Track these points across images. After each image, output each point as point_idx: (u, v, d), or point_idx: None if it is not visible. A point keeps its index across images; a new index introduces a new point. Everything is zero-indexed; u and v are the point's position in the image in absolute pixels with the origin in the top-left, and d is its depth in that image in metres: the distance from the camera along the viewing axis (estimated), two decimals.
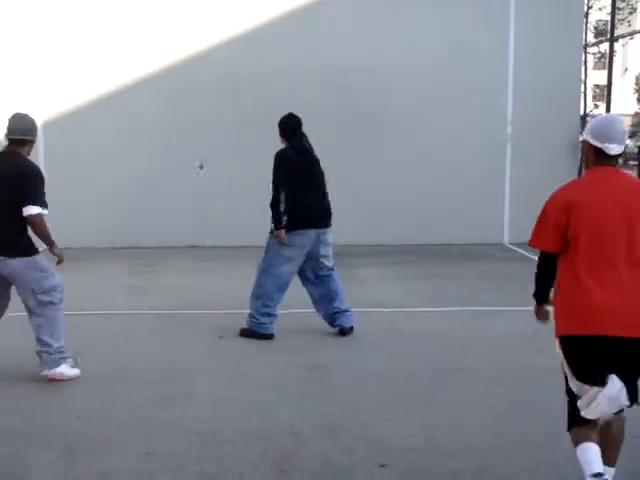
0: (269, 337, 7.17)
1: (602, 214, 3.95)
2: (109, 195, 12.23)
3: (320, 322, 7.35)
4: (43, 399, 5.75)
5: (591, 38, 23.46)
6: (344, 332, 7.25)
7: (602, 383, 3.94)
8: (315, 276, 7.31)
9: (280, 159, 7.13)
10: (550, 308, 4.22)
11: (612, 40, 17.50)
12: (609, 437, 4.11)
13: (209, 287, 9.58)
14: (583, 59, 16.97)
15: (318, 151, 7.39)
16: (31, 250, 5.94)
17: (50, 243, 6.00)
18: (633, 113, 50.03)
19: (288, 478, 4.47)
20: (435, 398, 5.73)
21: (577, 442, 4.07)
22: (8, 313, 6.25)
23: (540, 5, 12.74)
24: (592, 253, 3.95)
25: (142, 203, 12.22)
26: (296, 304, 8.47)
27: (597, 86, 32.37)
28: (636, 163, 17.89)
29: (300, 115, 7.35)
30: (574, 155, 13.46)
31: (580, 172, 17.19)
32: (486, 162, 12.65)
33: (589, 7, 19.36)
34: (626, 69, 43.15)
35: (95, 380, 6.10)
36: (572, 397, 4.12)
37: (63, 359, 6.10)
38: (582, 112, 18.42)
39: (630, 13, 25.55)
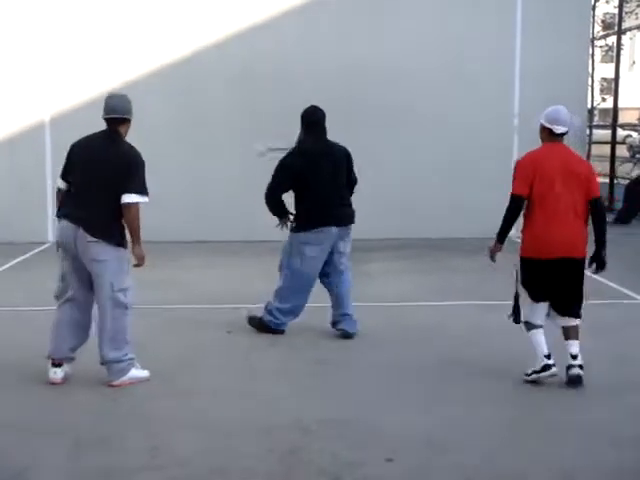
0: (281, 333, 7.16)
1: (554, 172, 5.62)
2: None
3: (323, 318, 7.32)
4: (50, 394, 5.76)
5: (599, 31, 23.37)
6: (346, 336, 7.09)
7: (544, 300, 5.74)
8: (329, 272, 7.19)
9: (279, 168, 7.10)
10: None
11: (620, 33, 17.42)
12: (568, 330, 5.82)
13: (217, 282, 9.58)
14: (590, 52, 16.90)
15: None
16: (124, 242, 5.79)
17: (137, 238, 5.78)
18: None
19: (295, 472, 4.47)
20: (442, 392, 5.73)
21: (529, 329, 5.78)
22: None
23: None
24: (549, 199, 5.62)
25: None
26: (309, 298, 8.48)
27: (604, 79, 32.23)
28: None
29: (301, 105, 7.31)
30: (581, 147, 13.42)
31: None
32: (494, 155, 12.60)
33: (597, 0, 19.28)
34: (634, 62, 42.98)
35: (102, 375, 6.10)
36: (517, 300, 5.80)
37: (131, 364, 5.92)
38: (589, 105, 18.35)
39: (638, 6, 25.44)
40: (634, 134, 31.30)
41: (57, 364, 5.88)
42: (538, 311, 5.78)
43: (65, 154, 6.02)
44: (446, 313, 7.97)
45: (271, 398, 5.62)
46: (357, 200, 7.15)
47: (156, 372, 6.19)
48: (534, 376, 5.75)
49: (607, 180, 17.31)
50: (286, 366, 6.36)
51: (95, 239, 5.62)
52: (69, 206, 5.77)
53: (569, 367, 5.73)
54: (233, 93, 12.49)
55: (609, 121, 18.52)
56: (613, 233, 13.54)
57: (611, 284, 9.21)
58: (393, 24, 12.53)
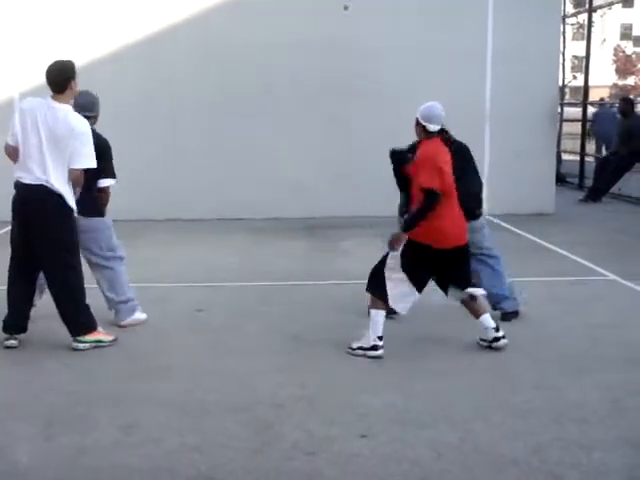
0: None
1: (448, 167, 5.78)
2: None
3: (305, 294, 7.31)
4: (22, 373, 5.74)
5: (570, 9, 23.43)
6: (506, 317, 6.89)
7: (419, 289, 5.86)
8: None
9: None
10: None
11: (590, 11, 17.46)
12: (472, 305, 6.04)
13: (188, 260, 9.56)
14: (562, 30, 16.94)
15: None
16: (102, 212, 6.67)
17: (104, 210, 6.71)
18: (611, 84, 50.22)
19: (269, 448, 4.49)
20: (416, 369, 5.76)
21: (374, 306, 5.85)
22: None
23: None
24: (448, 196, 5.74)
25: (119, 174, 12.12)
26: (282, 276, 8.51)
27: (575, 57, 32.41)
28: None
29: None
30: (552, 126, 13.50)
31: (559, 142, 17.29)
32: (465, 134, 12.55)
33: None
34: (604, 40, 43.22)
35: (74, 354, 6.09)
36: (383, 276, 5.82)
37: (136, 307, 6.82)
38: (561, 83, 18.43)
39: None
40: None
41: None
42: (406, 299, 5.89)
43: None
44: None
45: (245, 375, 5.63)
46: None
47: (127, 351, 6.19)
48: (360, 352, 5.92)
49: (577, 158, 17.43)
50: (260, 343, 6.37)
51: (80, 215, 6.24)
52: None
53: (495, 340, 6.04)
54: (202, 68, 12.38)
55: (580, 99, 18.60)
56: (584, 211, 13.77)
57: (582, 261, 9.31)
58: (365, 1, 12.47)
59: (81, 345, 6.11)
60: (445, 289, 6.09)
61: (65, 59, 6.31)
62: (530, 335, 6.58)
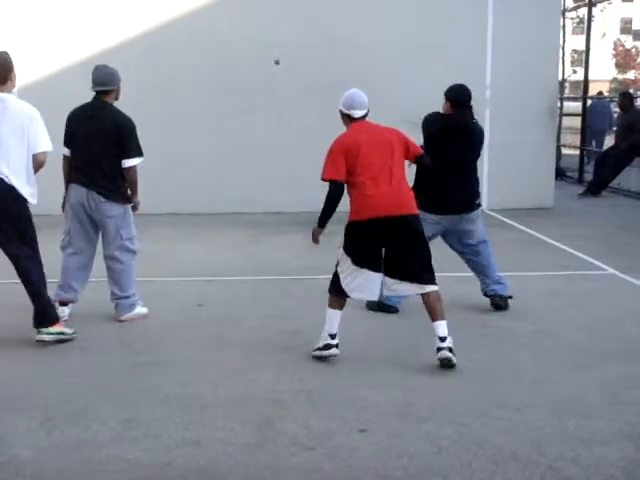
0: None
1: (369, 149, 5.62)
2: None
3: (304, 289, 7.32)
4: (22, 367, 5.75)
5: (570, 3, 23.40)
6: (498, 303, 7.02)
7: (374, 267, 5.61)
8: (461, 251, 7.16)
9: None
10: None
11: (590, 5, 17.43)
12: (429, 305, 5.66)
13: (188, 254, 9.56)
14: (562, 23, 16.92)
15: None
16: (128, 198, 6.69)
17: (136, 192, 6.73)
18: (611, 78, 50.18)
19: (269, 443, 4.49)
20: (413, 363, 5.76)
21: (331, 306, 5.70)
22: None
23: None
24: (371, 173, 5.60)
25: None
26: (281, 271, 8.51)
27: (575, 51, 32.37)
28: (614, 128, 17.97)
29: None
30: (552, 119, 13.49)
31: (559, 137, 17.27)
32: None
33: None
34: (604, 34, 43.17)
35: (74, 348, 6.09)
36: (337, 272, 5.70)
37: (138, 302, 6.83)
38: (561, 77, 18.41)
39: None
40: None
41: (64, 304, 6.68)
42: (366, 284, 5.70)
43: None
44: None
45: (244, 370, 5.64)
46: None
47: (127, 344, 6.20)
48: (317, 353, 5.74)
49: (577, 152, 17.42)
50: (259, 337, 6.37)
51: (105, 199, 6.51)
52: (78, 172, 6.57)
53: (437, 350, 5.56)
54: (201, 64, 12.36)
55: (580, 93, 18.59)
56: (583, 205, 13.76)
57: (581, 255, 9.31)
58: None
59: (46, 337, 6.07)
60: (391, 272, 5.68)
61: (1, 50, 6.30)
62: (529, 329, 6.58)
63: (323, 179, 5.69)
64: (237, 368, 5.68)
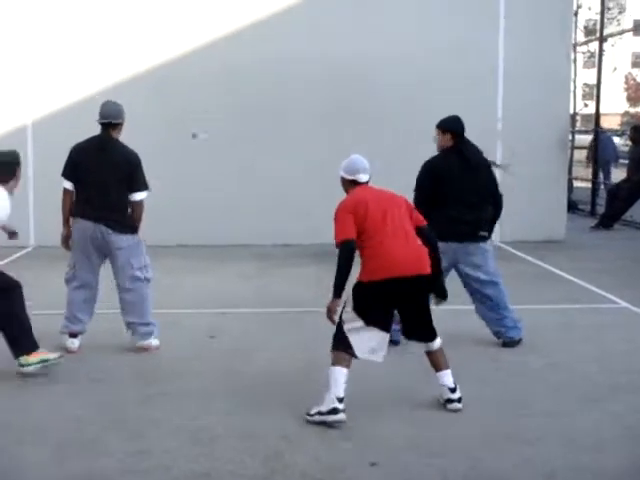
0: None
1: (379, 208, 5.38)
2: None
3: (316, 321, 7.28)
4: (32, 398, 5.74)
5: (581, 37, 23.52)
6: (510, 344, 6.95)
7: (384, 328, 5.33)
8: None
9: None
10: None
11: (601, 39, 17.52)
12: (434, 357, 5.51)
13: (199, 285, 9.56)
14: (573, 57, 17.00)
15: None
16: (136, 228, 6.74)
17: (139, 224, 6.77)
18: (622, 112, 50.25)
19: (278, 476, 4.47)
20: (421, 396, 5.72)
21: (337, 364, 5.26)
22: None
23: (529, 1, 12.79)
24: (384, 231, 5.34)
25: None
26: (292, 303, 8.50)
27: (587, 85, 32.44)
28: (625, 161, 17.98)
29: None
30: (564, 152, 13.50)
31: (570, 169, 17.27)
32: None
33: (578, 6, 19.39)
34: (615, 68, 43.28)
35: (84, 379, 6.09)
36: (343, 329, 5.33)
37: (154, 331, 6.83)
38: (572, 110, 18.46)
39: (620, 12, 25.63)
40: (616, 139, 31.50)
41: (74, 335, 6.75)
42: (376, 345, 5.40)
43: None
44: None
45: (255, 402, 5.62)
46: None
47: (138, 375, 6.20)
48: (318, 417, 5.21)
49: (589, 185, 17.42)
50: (271, 371, 6.35)
51: (113, 231, 6.57)
52: (84, 205, 6.63)
53: (448, 401, 5.45)
54: (213, 96, 12.44)
55: (591, 127, 18.62)
56: (595, 238, 13.73)
57: (593, 288, 9.27)
58: (375, 24, 12.51)
59: (27, 369, 6.01)
60: (408, 334, 5.60)
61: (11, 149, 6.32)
62: (541, 362, 6.54)
63: (338, 244, 5.34)
64: (247, 400, 5.67)
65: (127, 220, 6.68)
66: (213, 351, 6.89)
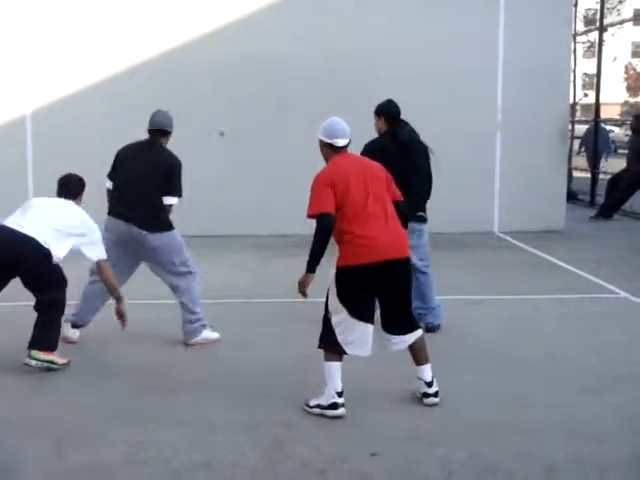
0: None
1: (360, 184, 5.18)
2: (98, 186, 12.15)
3: (314, 311, 7.27)
4: (32, 390, 5.74)
5: (580, 27, 23.45)
6: (431, 329, 6.97)
7: (367, 319, 5.16)
8: None
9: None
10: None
11: (601, 29, 17.47)
12: (414, 349, 5.36)
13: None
14: (573, 47, 16.96)
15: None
16: (171, 226, 6.77)
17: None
18: (622, 102, 50.17)
19: (279, 466, 4.47)
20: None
21: (328, 359, 5.19)
22: None
23: None
24: (365, 211, 5.14)
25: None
26: (290, 293, 8.48)
27: (586, 75, 32.39)
28: (625, 151, 17.93)
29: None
30: (563, 143, 13.49)
31: (570, 159, 17.26)
32: (476, 150, 12.62)
33: None
34: (615, 58, 43.20)
35: (84, 371, 6.09)
36: (330, 324, 5.23)
37: (203, 326, 6.81)
38: (572, 100, 18.42)
39: (620, 2, 25.56)
40: (615, 129, 31.48)
41: (76, 326, 6.78)
42: (362, 338, 5.24)
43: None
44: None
45: (255, 393, 5.62)
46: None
47: (138, 367, 6.19)
48: (317, 410, 5.19)
49: (589, 175, 17.40)
50: (270, 361, 6.36)
51: (147, 232, 6.58)
52: (120, 205, 6.69)
53: (425, 395, 5.35)
54: (209, 85, 12.39)
55: (591, 116, 18.59)
56: (594, 228, 13.73)
57: (592, 278, 9.28)
58: (375, 19, 12.51)
59: (33, 362, 6.01)
60: (389, 327, 5.36)
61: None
62: (540, 353, 6.55)
63: (309, 216, 5.21)
64: (248, 391, 5.67)
65: (160, 219, 6.69)
66: (212, 342, 6.89)
